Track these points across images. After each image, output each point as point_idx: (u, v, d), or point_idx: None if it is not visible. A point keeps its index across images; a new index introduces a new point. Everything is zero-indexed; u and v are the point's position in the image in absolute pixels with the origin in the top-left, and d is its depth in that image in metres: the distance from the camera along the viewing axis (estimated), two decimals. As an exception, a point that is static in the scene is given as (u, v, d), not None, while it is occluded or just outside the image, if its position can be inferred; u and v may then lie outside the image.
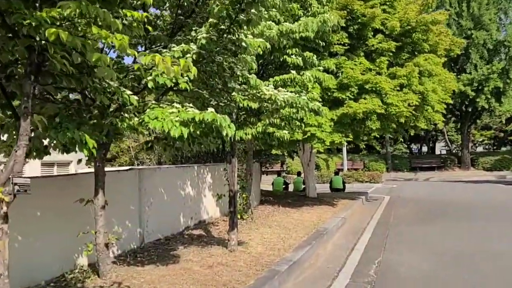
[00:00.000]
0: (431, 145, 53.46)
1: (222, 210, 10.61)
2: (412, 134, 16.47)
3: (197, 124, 4.37)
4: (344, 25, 12.09)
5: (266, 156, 22.98)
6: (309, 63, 9.39)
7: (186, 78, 4.62)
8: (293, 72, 7.51)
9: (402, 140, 46.70)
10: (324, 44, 10.26)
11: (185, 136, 4.31)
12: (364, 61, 12.68)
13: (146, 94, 5.74)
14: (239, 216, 9.85)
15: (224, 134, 4.50)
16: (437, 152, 54.47)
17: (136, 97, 4.49)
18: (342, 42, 12.40)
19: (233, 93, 5.23)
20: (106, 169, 5.74)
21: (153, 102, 4.73)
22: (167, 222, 8.15)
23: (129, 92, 4.43)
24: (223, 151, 11.57)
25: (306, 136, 11.49)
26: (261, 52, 7.53)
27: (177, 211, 8.57)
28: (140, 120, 4.49)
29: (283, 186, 20.99)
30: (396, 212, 14.00)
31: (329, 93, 12.24)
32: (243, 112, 9.58)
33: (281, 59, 8.97)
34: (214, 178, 10.28)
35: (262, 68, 9.79)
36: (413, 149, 54.51)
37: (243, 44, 4.59)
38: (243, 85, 5.59)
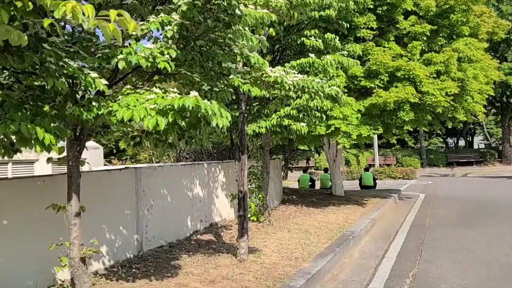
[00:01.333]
0: (468, 139, 50.83)
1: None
2: (449, 126, 15.07)
3: (177, 113, 3.45)
4: (371, 6, 10.90)
5: (291, 151, 21.94)
6: (331, 47, 8.32)
7: (167, 57, 3.71)
8: (312, 55, 6.48)
9: (440, 133, 44.44)
10: (348, 25, 9.13)
11: (162, 127, 3.41)
12: (395, 46, 11.45)
13: (136, 81, 4.87)
14: (254, 219, 8.93)
15: (214, 124, 3.57)
16: (475, 146, 51.77)
17: (104, 81, 3.61)
18: (369, 26, 11.21)
19: (231, 76, 4.28)
20: (102, 168, 4.92)
21: (129, 87, 3.85)
22: (172, 226, 7.31)
23: (94, 75, 3.55)
24: (247, 147, 10.65)
25: (329, 131, 10.41)
26: (274, 33, 6.59)
27: (184, 214, 7.72)
28: (110, 110, 3.61)
29: (309, 183, 19.96)
30: (432, 213, 12.73)
31: (355, 82, 11.11)
32: (257, 103, 8.66)
33: (299, 42, 7.95)
34: (227, 177, 9.38)
35: (278, 53, 8.79)
36: (449, 143, 52.02)
37: (237, 12, 3.64)
38: (246, 67, 4.63)
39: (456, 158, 38.11)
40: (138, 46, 3.70)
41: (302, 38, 7.84)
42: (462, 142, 51.71)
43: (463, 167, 36.30)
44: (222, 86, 4.42)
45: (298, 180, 20.69)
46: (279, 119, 7.68)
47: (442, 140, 51.34)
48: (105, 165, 18.94)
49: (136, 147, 4.90)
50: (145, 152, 19.90)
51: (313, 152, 25.11)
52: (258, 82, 4.54)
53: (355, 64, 8.20)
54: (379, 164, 32.63)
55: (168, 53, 3.70)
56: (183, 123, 3.81)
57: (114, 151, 24.72)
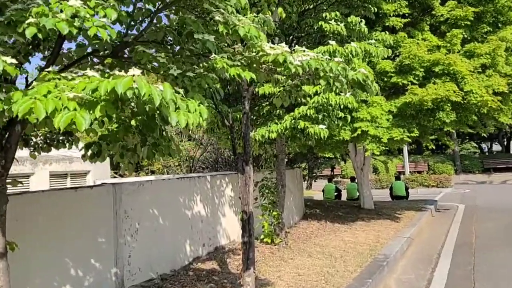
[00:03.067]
0: (505, 143, 47.87)
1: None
2: (492, 130, 13.29)
3: (110, 104, 2.15)
4: (402, -11, 9.46)
5: (314, 159, 20.45)
6: (356, 33, 6.90)
7: (103, 20, 2.42)
8: (333, 43, 5.09)
9: (478, 136, 41.72)
10: (375, 10, 7.69)
11: (85, 125, 2.11)
12: (431, 36, 9.92)
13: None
14: (268, 241, 7.56)
15: (174, 122, 2.25)
16: (512, 151, 48.74)
17: (10, 60, 2.34)
18: (400, 13, 9.74)
19: (212, 56, 2.97)
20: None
21: (50, 70, 2.57)
22: (165, 254, 6.01)
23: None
24: (258, 156, 9.35)
25: (355, 134, 8.95)
26: (284, 15, 5.26)
27: (181, 238, 6.41)
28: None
29: (335, 194, 18.40)
30: (478, 228, 11.01)
31: (385, 78, 9.63)
32: (267, 103, 7.31)
33: (316, 28, 6.57)
34: (237, 191, 8.04)
35: (292, 42, 7.44)
36: (483, 148, 49.16)
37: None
38: (237, 46, 3.30)
39: (493, 164, 35.60)
40: (62, 5, 2.42)
41: (320, 23, 6.48)
42: (496, 147, 48.71)
43: (501, 173, 33.77)
44: (201, 71, 3.09)
45: (323, 190, 19.16)
46: (293, 121, 6.32)
47: (475, 145, 48.57)
48: (113, 177, 18.02)
49: (94, 158, 3.60)
50: (158, 162, 18.77)
51: (338, 160, 23.50)
52: (254, 65, 3.20)
53: (386, 54, 6.76)
54: (410, 172, 30.64)
55: (105, 15, 2.41)
56: (134, 122, 2.52)
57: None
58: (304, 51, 3.13)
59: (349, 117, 6.92)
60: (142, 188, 5.70)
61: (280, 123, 6.48)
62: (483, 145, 49.42)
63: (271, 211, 7.68)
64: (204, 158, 16.68)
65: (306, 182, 25.88)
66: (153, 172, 19.88)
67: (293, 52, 3.18)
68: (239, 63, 3.13)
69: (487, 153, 46.82)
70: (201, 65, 3.11)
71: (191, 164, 15.26)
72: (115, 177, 19.72)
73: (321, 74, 3.14)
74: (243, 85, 5.31)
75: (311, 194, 22.63)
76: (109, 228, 5.11)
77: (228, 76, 3.04)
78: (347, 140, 9.15)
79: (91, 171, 12.62)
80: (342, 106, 6.37)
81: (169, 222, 6.16)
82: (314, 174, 23.97)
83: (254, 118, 7.37)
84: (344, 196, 18.71)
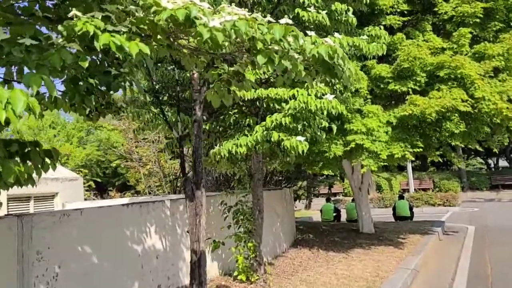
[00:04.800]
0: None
1: (222, 265, 7.03)
2: (506, 143, 11.96)
3: None
4: (400, -16, 8.30)
5: (313, 177, 19.12)
6: (343, 25, 5.70)
7: None
8: (311, 33, 3.86)
9: (485, 151, 40.17)
10: (368, 1, 6.47)
11: None
12: (433, 37, 8.72)
13: None
14: (243, 278, 6.25)
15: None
16: (520, 166, 47.03)
17: None
18: (398, 10, 8.57)
19: (73, 13, 1.77)
20: None
21: None
22: (101, 303, 4.69)
23: None
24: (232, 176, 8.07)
25: (348, 149, 7.68)
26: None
27: (127, 279, 5.11)
28: None
29: (334, 214, 17.03)
30: (492, 254, 9.62)
31: (381, 85, 8.41)
32: (234, 110, 6.07)
33: (291, 16, 5.37)
34: (207, 217, 6.77)
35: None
36: (489, 164, 47.49)
37: None
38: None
39: (501, 181, 34.05)
40: None
41: (296, 10, 5.29)
42: (502, 163, 47.00)
43: (510, 190, 32.23)
44: (59, 41, 1.86)
45: (321, 211, 17.78)
46: (265, 132, 5.08)
47: (481, 160, 46.96)
48: (90, 199, 16.79)
49: None
50: (142, 183, 17.49)
51: (338, 178, 22.17)
52: (147, 29, 1.98)
53: (380, 51, 5.55)
54: (414, 189, 29.15)
55: None
56: None
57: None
58: (233, 9, 1.89)
59: (335, 127, 5.68)
60: (66, 220, 4.43)
61: (251, 135, 5.25)
62: (489, 161, 47.79)
63: (247, 241, 6.37)
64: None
65: (306, 200, 24.50)
66: (138, 193, 18.63)
67: (216, 11, 1.95)
68: (124, 29, 1.90)
69: (493, 169, 45.18)
70: (60, 28, 1.87)
71: (175, 185, 13.97)
72: (93, 199, 18.52)
73: (259, 46, 1.90)
74: (193, 85, 4.08)
75: (310, 214, 21.25)
76: (10, 276, 3.82)
77: (99, 49, 1.80)
78: (339, 155, 7.87)
79: (59, 193, 11.39)
80: (325, 113, 5.15)
81: (108, 261, 4.87)
82: (313, 193, 22.58)
83: (220, 129, 6.17)
84: (344, 216, 17.34)
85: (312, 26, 5.21)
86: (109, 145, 22.61)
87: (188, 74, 5.09)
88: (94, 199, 16.96)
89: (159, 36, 2.11)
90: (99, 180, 23.77)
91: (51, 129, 25.67)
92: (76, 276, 4.44)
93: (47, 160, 2.71)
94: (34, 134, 24.55)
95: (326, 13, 5.17)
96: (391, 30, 8.71)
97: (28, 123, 24.85)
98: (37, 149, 2.55)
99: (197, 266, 4.01)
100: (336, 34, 3.96)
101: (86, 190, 22.88)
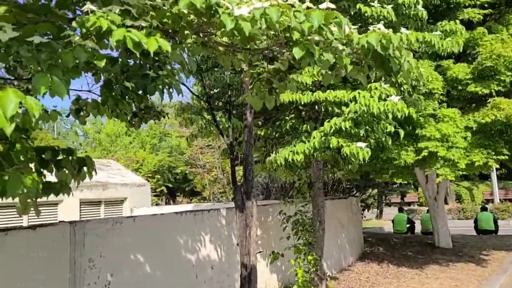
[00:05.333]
0: None
1: (282, 277, 6.72)
2: None
3: None
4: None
5: (384, 185, 18.13)
6: (411, 20, 5.17)
7: None
8: (380, 26, 3.46)
9: None
10: (444, 4, 5.82)
11: None
12: (521, 31, 7.78)
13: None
14: (303, 294, 5.87)
15: None
16: None
17: None
18: (478, 3, 7.75)
19: (87, 8, 1.60)
20: None
21: None
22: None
23: None
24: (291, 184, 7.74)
25: (421, 157, 7.01)
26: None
27: (180, 291, 4.98)
28: None
29: (407, 226, 15.97)
30: None
31: (459, 87, 7.63)
32: (292, 115, 5.75)
33: (353, 12, 4.93)
34: (266, 226, 6.54)
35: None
36: None
37: None
38: None
39: None
40: None
41: (358, 6, 4.86)
42: None
43: None
44: (73, 39, 1.70)
45: (393, 221, 16.79)
46: (323, 138, 4.70)
47: None
48: (156, 204, 17.20)
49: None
50: (213, 186, 17.62)
51: (411, 186, 20.87)
52: (171, 23, 1.76)
53: (456, 47, 4.95)
54: (500, 200, 26.67)
55: None
56: None
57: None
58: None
59: (402, 132, 5.13)
60: (119, 228, 4.39)
61: (308, 141, 4.90)
62: None
63: (307, 254, 6.01)
64: (255, 183, 15.36)
65: (376, 210, 23.38)
66: (204, 199, 18.88)
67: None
68: (144, 24, 1.69)
69: None
70: (74, 24, 1.71)
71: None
72: (158, 204, 19.05)
73: (295, 36, 1.60)
74: (244, 88, 3.86)
75: (381, 224, 20.21)
76: (62, 284, 3.82)
77: (114, 45, 1.61)
78: (410, 163, 7.22)
79: (128, 198, 11.76)
80: (389, 116, 4.65)
81: (162, 270, 4.77)
82: (384, 202, 21.47)
83: (276, 135, 5.87)
84: (418, 228, 16.20)
85: (375, 23, 4.76)
86: (179, 151, 23.28)
87: (239, 78, 4.91)
88: (160, 205, 17.45)
89: (186, 32, 1.89)
90: (170, 185, 24.55)
91: (127, 136, 27.01)
92: (128, 284, 4.38)
93: (84, 169, 2.61)
94: (111, 141, 26.00)
95: (392, 7, 4.69)
96: (469, 25, 7.88)
97: (106, 131, 26.38)
98: (70, 157, 2.46)
99: (248, 282, 3.76)
100: (402, 30, 3.52)
101: (158, 195, 23.75)
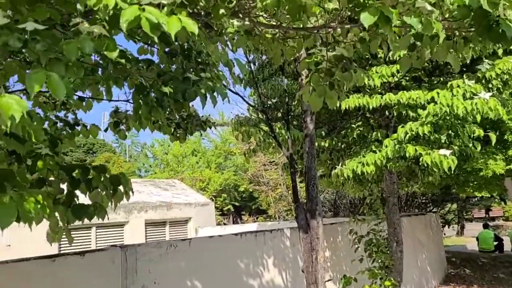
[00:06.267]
0: None
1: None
2: None
3: None
4: None
5: (465, 199, 16.59)
6: None
7: None
8: None
9: None
10: None
11: None
12: None
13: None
14: (380, 325, 5.18)
15: None
16: None
17: None
18: None
19: None
20: None
21: None
22: None
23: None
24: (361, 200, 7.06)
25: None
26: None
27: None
28: None
29: (495, 243, 14.38)
30: None
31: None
32: (359, 122, 5.15)
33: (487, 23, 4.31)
34: (335, 247, 5.95)
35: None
36: None
37: None
38: None
39: None
40: None
41: (491, 16, 4.25)
42: None
43: None
44: (81, 27, 1.36)
45: (477, 238, 15.24)
46: (397, 146, 4.08)
47: None
48: (223, 223, 16.87)
49: None
50: (278, 204, 17.13)
51: (496, 199, 18.96)
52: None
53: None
54: None
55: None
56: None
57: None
58: None
59: (493, 137, 4.33)
60: (173, 252, 4.07)
61: (380, 150, 4.30)
62: None
63: (383, 279, 5.32)
64: (322, 200, 14.61)
65: (457, 226, 21.55)
66: (270, 217, 18.41)
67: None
68: (165, 1, 1.33)
69: None
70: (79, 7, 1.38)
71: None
72: (224, 223, 18.79)
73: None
74: (301, 88, 3.41)
75: (463, 242, 18.50)
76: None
77: (124, 28, 1.25)
78: (500, 174, 6.28)
79: (192, 218, 11.61)
80: (478, 118, 3.92)
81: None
82: (465, 217, 19.69)
83: (342, 146, 5.30)
84: (507, 246, 14.53)
85: None
86: (244, 169, 23.15)
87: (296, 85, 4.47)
88: (225, 224, 17.18)
89: (221, 11, 1.50)
90: (236, 204, 24.44)
91: (193, 156, 27.42)
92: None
93: (120, 188, 2.29)
94: (178, 161, 26.48)
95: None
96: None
97: (173, 152, 26.96)
98: (102, 175, 2.14)
99: (315, 316, 3.24)
100: None
101: (225, 214, 23.69)
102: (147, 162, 32.58)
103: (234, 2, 1.54)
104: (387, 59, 4.46)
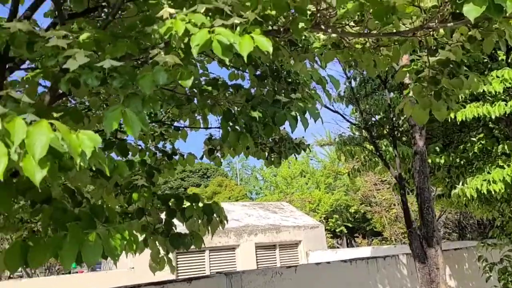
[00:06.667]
0: None
1: None
2: None
3: None
4: None
5: None
6: None
7: None
8: None
9: None
10: None
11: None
12: None
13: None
14: None
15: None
16: None
17: None
18: None
19: (164, 11, 1.22)
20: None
21: None
22: None
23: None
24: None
25: None
26: None
27: None
28: None
29: None
30: None
31: None
32: (480, 135, 4.51)
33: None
34: (461, 276, 5.28)
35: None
36: None
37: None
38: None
39: None
40: None
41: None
42: None
43: None
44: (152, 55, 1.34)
45: None
46: (530, 160, 3.44)
47: None
48: (334, 247, 16.18)
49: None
50: (393, 225, 16.09)
51: None
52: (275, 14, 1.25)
53: None
54: None
55: None
56: None
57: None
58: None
59: None
60: (279, 279, 3.94)
61: (508, 165, 3.70)
62: None
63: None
64: (444, 221, 13.31)
65: None
66: (385, 240, 17.34)
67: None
68: (238, 21, 1.25)
69: None
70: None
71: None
72: (337, 246, 18.06)
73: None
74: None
75: None
76: None
77: (195, 53, 1.19)
78: None
79: (302, 241, 11.37)
80: None
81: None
82: None
83: (461, 162, 4.67)
84: None
85: None
86: (355, 189, 22.37)
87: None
88: (338, 247, 16.54)
89: (301, 24, 1.36)
90: (349, 225, 23.64)
91: (301, 177, 27.37)
92: None
93: (215, 217, 2.25)
94: (287, 183, 26.63)
95: None
96: None
97: (282, 174, 27.23)
98: (195, 204, 2.12)
99: None
100: None
101: (338, 236, 23.00)
102: (257, 185, 33.37)
103: (313, 12, 1.40)
104: (509, 60, 3.89)
